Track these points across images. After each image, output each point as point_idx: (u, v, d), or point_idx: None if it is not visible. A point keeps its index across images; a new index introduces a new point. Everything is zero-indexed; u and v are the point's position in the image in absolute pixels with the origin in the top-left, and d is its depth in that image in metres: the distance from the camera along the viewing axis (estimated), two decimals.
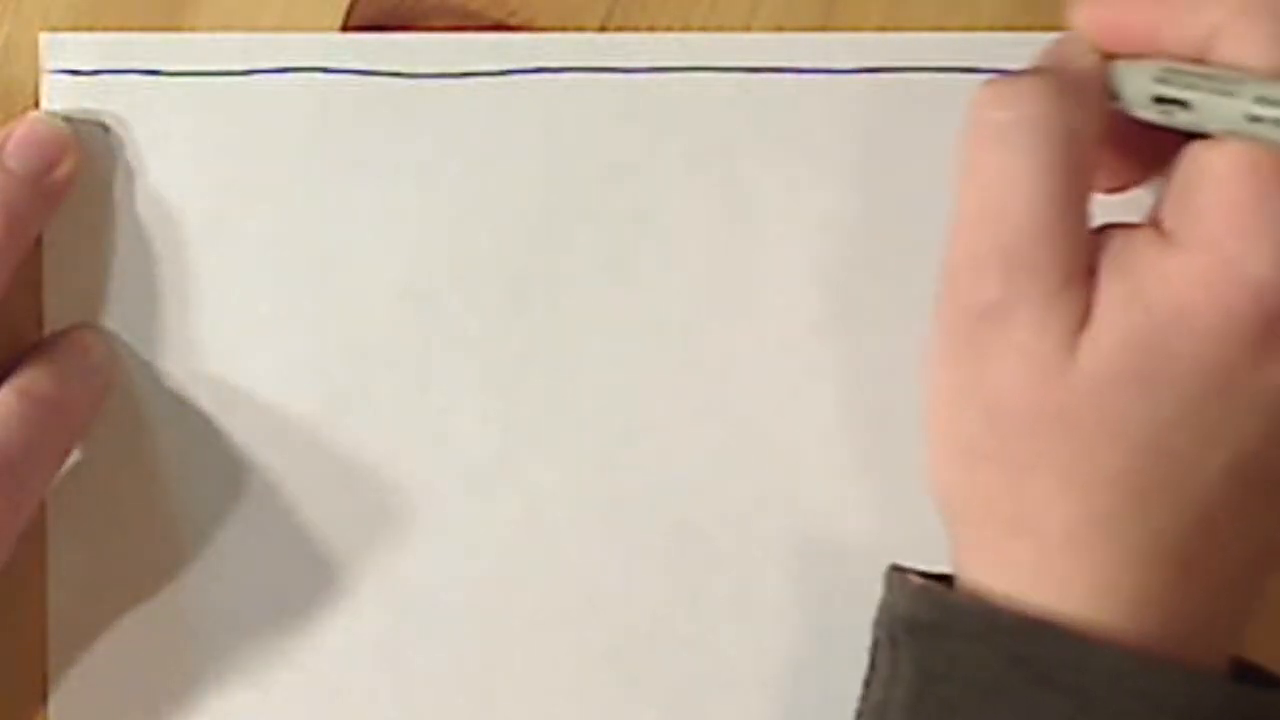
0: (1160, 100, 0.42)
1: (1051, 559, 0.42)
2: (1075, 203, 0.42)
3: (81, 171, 0.48)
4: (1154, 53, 0.42)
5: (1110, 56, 0.43)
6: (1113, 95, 0.43)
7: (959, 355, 0.43)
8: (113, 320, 0.49)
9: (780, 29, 0.49)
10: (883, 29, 0.49)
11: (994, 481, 0.42)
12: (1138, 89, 0.42)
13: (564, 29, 0.49)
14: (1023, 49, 0.49)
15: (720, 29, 0.49)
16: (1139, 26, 0.42)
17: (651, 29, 0.49)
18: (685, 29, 0.49)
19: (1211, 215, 0.40)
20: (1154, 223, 0.42)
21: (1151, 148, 0.43)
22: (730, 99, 0.49)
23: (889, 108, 0.49)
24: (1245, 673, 0.43)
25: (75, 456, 0.49)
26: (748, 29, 0.49)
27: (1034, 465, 0.42)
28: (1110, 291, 0.41)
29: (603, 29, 0.49)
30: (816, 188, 0.49)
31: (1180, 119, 0.41)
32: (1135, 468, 0.41)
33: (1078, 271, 0.41)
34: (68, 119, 0.49)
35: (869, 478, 0.50)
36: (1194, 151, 0.41)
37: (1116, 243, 0.42)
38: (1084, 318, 0.41)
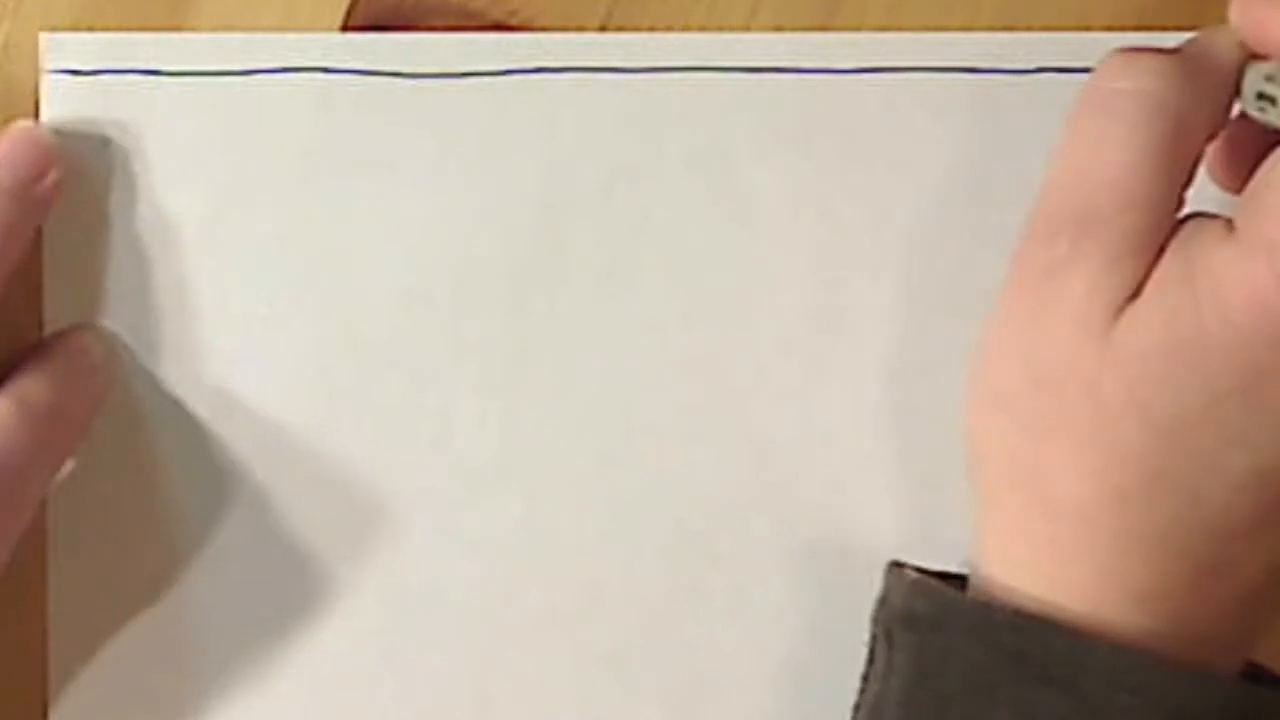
0: (1261, 96, 0.42)
1: (1061, 530, 0.42)
2: (1164, 182, 0.42)
3: (82, 172, 0.48)
4: None
5: (1256, 56, 0.43)
6: (1240, 93, 0.43)
7: (1018, 308, 0.43)
8: (113, 320, 0.49)
9: (780, 29, 0.49)
10: (883, 29, 0.49)
11: (1019, 437, 0.42)
12: (1250, 84, 0.42)
13: (564, 29, 0.49)
14: (1023, 49, 0.49)
15: (720, 29, 0.49)
16: (1276, 28, 0.42)
17: (651, 29, 0.49)
18: (685, 29, 0.49)
19: (1272, 217, 0.40)
20: (1230, 218, 0.42)
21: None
22: (730, 99, 0.49)
23: (889, 108, 0.49)
24: (1256, 676, 0.43)
25: (75, 459, 0.49)
26: (748, 29, 0.49)
27: (1057, 427, 0.42)
28: (1165, 272, 0.41)
29: (603, 29, 0.49)
30: (816, 188, 0.49)
31: (1271, 114, 0.42)
32: (1152, 450, 0.41)
33: (1147, 247, 0.42)
34: (67, 120, 0.48)
35: (869, 477, 0.49)
36: (1277, 154, 0.41)
37: (1188, 229, 0.42)
38: (1138, 291, 0.41)
